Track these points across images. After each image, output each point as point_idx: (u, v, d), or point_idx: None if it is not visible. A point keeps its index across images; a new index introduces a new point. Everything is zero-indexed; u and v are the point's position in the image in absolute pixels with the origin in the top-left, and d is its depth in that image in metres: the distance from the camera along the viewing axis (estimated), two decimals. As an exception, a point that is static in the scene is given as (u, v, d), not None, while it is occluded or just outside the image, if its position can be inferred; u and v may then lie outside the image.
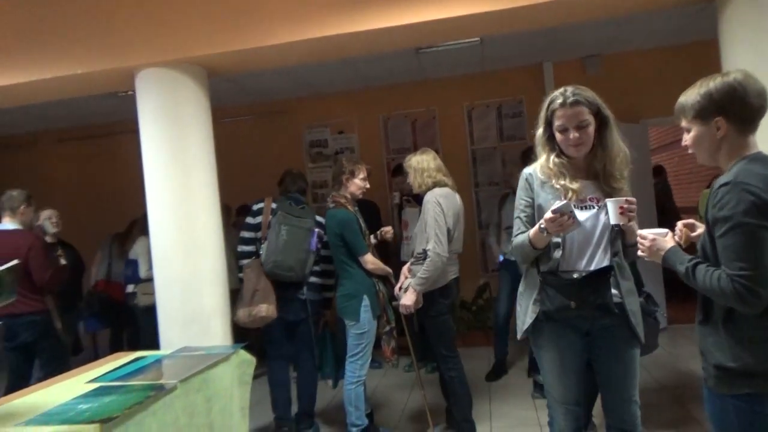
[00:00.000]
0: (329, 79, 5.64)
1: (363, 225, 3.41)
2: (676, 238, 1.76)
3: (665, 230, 1.75)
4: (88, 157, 6.79)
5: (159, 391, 2.13)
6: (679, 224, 1.83)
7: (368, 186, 3.46)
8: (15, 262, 2.02)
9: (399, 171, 4.71)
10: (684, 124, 1.65)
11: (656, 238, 1.72)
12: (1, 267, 2.01)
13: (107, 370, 2.54)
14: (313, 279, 3.63)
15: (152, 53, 3.34)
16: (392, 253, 4.75)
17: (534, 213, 2.10)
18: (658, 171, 7.30)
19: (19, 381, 3.62)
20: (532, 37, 4.78)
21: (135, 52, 3.37)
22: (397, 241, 4.96)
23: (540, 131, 2.11)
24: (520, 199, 2.16)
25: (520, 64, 5.78)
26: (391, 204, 4.61)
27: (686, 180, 8.89)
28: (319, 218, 3.58)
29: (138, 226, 4.56)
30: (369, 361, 3.34)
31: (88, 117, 6.31)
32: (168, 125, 3.31)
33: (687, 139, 1.67)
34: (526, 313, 2.13)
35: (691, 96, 1.61)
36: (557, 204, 1.92)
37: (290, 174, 3.76)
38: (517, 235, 2.13)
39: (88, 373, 2.54)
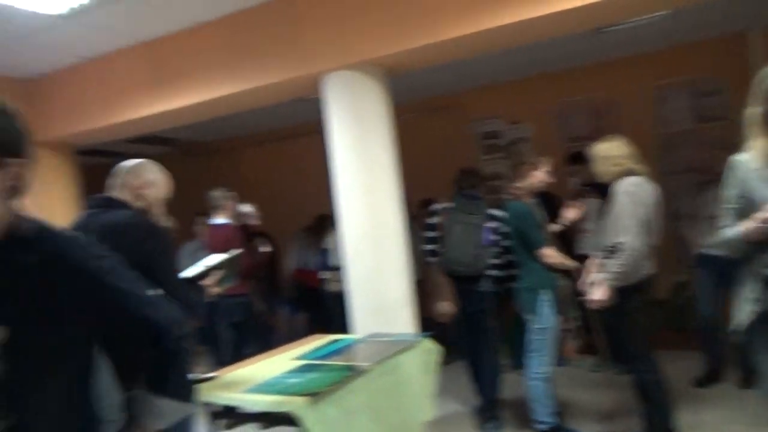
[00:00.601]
0: (500, 68, 5.53)
1: (542, 217, 3.32)
2: None
3: None
4: (278, 158, 7.49)
5: (356, 371, 2.29)
6: None
7: (551, 180, 3.35)
8: (237, 251, 2.31)
9: (577, 159, 4.50)
10: None
11: None
12: (223, 256, 2.32)
13: (308, 350, 2.79)
14: (493, 272, 3.63)
15: (336, 58, 3.56)
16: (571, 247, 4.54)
17: (745, 205, 1.85)
18: None
19: (235, 354, 4.12)
20: (732, 2, 4.21)
21: (320, 59, 3.62)
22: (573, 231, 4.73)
23: (757, 110, 1.83)
24: (728, 189, 1.93)
25: (718, 34, 5.12)
26: (573, 191, 4.44)
27: None
28: (494, 211, 3.58)
29: (331, 218, 4.94)
30: (551, 357, 3.25)
31: (277, 121, 6.97)
32: (353, 125, 3.51)
33: None
34: (741, 312, 1.89)
35: None
36: None
37: (462, 172, 3.88)
38: (725, 227, 1.92)
39: (292, 352, 2.83)
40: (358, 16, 3.48)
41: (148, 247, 1.87)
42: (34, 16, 3.56)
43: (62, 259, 1.07)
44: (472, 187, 3.78)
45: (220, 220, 4.41)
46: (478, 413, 3.72)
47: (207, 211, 4.58)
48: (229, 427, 3.21)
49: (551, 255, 3.21)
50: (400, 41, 3.38)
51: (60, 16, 3.60)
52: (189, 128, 5.53)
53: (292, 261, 5.60)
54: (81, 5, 3.45)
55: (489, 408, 3.65)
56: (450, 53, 3.58)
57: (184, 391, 1.22)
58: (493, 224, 3.54)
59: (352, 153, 3.51)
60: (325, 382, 2.16)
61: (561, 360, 3.60)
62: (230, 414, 2.41)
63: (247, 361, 2.82)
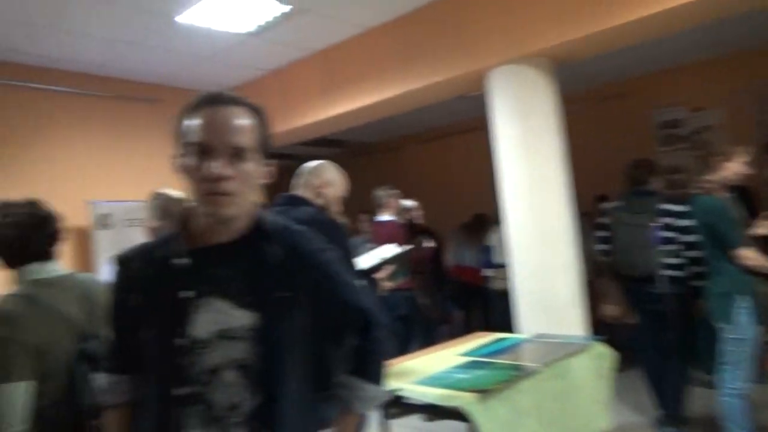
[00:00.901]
0: (681, 48, 5.00)
1: (738, 214, 2.94)
2: None
3: None
4: (439, 156, 7.59)
5: (524, 371, 2.23)
6: None
7: (750, 173, 2.96)
8: (407, 247, 2.38)
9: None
10: None
11: None
12: (397, 250, 2.40)
13: (474, 347, 2.79)
14: (668, 271, 3.32)
15: (501, 53, 3.51)
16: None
17: None
18: None
19: (401, 347, 4.26)
20: None
21: (485, 55, 3.59)
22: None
23: None
24: None
25: None
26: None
27: None
28: (668, 206, 3.28)
29: (494, 215, 4.89)
30: (749, 372, 2.87)
31: (438, 119, 7.05)
32: (519, 120, 3.44)
33: None
34: None
35: None
36: None
37: (633, 165, 3.62)
38: None
39: (457, 348, 2.84)
40: (523, 8, 3.40)
41: (330, 242, 2.01)
42: (227, 35, 4.02)
43: (298, 250, 1.18)
44: (644, 182, 3.50)
45: (384, 217, 4.57)
46: (658, 425, 3.43)
47: (372, 209, 4.78)
48: (396, 416, 3.34)
49: (750, 257, 2.83)
50: (569, 30, 3.23)
51: (248, 34, 4.02)
52: (356, 130, 5.83)
53: (450, 258, 5.64)
54: (267, 22, 3.81)
55: (671, 421, 3.34)
56: (627, 38, 3.34)
57: (383, 377, 1.27)
58: (665, 220, 3.24)
59: (518, 148, 3.44)
60: (493, 380, 2.13)
61: (762, 376, 3.16)
62: (398, 403, 2.48)
63: (414, 354, 2.90)
